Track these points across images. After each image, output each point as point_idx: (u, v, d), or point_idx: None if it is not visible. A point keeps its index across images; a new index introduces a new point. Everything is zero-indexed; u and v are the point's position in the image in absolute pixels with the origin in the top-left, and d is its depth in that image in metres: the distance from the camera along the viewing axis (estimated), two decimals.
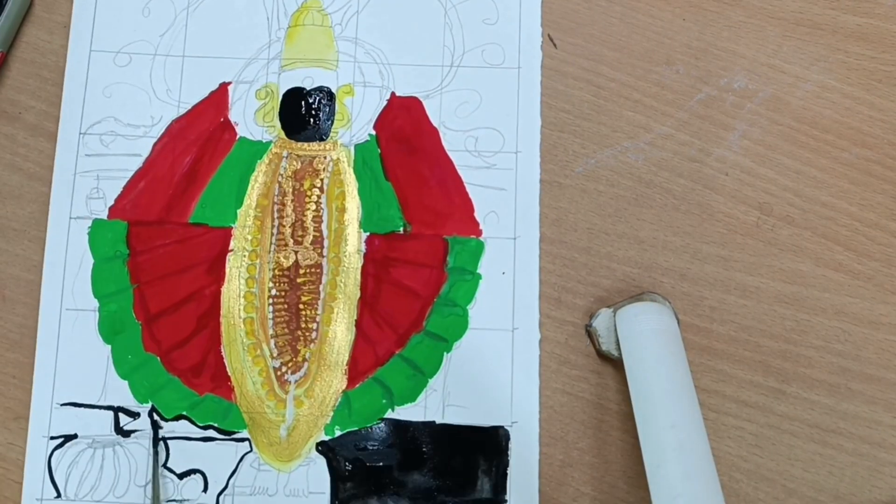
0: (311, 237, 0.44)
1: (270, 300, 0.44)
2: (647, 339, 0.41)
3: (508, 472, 0.42)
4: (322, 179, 0.45)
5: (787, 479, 0.42)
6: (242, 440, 0.42)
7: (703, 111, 0.46)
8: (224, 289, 0.44)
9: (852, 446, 0.42)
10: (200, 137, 0.45)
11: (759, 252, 0.44)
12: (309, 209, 0.45)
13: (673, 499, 0.37)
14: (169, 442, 0.42)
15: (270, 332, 0.43)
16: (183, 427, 0.42)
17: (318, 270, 0.44)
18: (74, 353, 0.43)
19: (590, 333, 0.43)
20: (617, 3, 0.47)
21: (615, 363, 0.43)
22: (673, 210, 0.45)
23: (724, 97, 0.46)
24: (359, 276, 0.44)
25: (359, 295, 0.44)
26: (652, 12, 0.47)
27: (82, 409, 0.42)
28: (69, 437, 0.42)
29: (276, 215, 0.44)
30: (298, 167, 0.45)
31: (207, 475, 0.42)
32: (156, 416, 0.42)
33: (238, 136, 0.45)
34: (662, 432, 0.38)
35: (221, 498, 0.42)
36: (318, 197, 0.45)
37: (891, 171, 0.45)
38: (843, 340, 0.44)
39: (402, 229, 0.44)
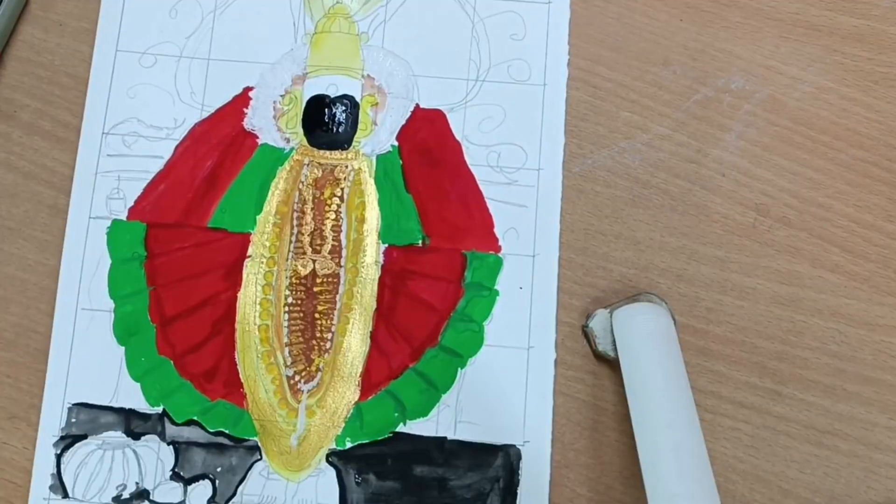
0: (330, 246, 0.44)
1: (286, 308, 0.43)
2: (644, 339, 0.41)
3: (518, 491, 0.42)
4: (342, 189, 0.45)
5: (782, 480, 0.42)
6: (252, 448, 0.42)
7: (700, 112, 0.46)
8: (240, 295, 0.43)
9: (848, 447, 0.43)
10: (223, 142, 0.45)
11: (756, 253, 0.44)
12: (328, 218, 0.44)
13: (669, 500, 0.36)
14: (178, 447, 0.42)
15: (285, 340, 0.43)
16: (193, 432, 0.42)
17: (335, 280, 0.44)
18: (88, 354, 0.43)
19: (586, 334, 0.43)
20: (614, 4, 0.47)
21: (611, 364, 0.43)
22: (670, 211, 0.45)
23: (721, 98, 0.46)
24: (376, 288, 0.44)
25: (375, 306, 0.44)
26: (649, 13, 0.47)
27: (94, 409, 0.42)
28: (79, 438, 0.42)
29: (295, 223, 0.44)
30: (319, 175, 0.45)
31: (216, 482, 0.42)
32: (166, 420, 0.42)
33: (260, 142, 0.45)
34: (658, 433, 0.38)
35: None
36: (338, 206, 0.45)
37: (887, 172, 0.45)
38: (839, 342, 0.44)
39: (420, 242, 0.44)
